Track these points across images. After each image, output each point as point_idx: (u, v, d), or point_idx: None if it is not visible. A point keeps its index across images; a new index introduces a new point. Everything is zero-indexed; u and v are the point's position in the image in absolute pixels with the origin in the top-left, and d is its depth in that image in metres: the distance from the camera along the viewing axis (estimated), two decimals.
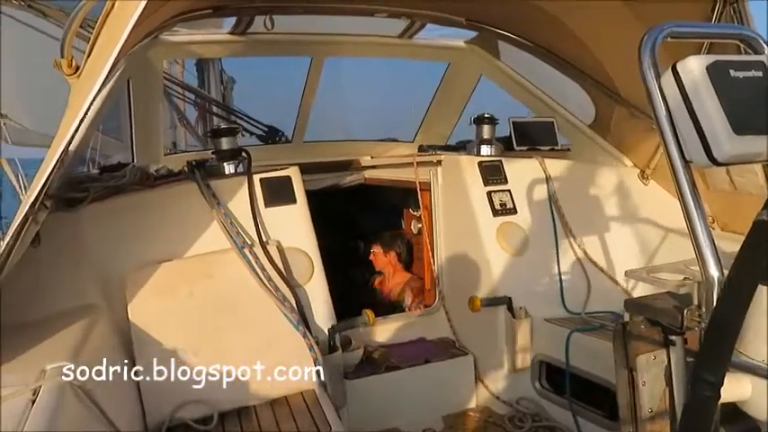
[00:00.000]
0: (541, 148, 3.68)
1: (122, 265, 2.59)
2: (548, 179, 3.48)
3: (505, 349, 3.14)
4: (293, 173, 3.06)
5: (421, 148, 3.97)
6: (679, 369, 1.53)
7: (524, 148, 3.70)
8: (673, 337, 1.51)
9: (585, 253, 3.38)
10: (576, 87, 3.76)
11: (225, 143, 3.06)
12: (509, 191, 3.41)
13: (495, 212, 3.33)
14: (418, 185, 3.74)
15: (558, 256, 3.33)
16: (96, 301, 2.45)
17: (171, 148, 5.50)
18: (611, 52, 3.24)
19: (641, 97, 3.18)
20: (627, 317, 1.62)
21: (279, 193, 2.98)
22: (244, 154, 3.06)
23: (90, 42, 1.91)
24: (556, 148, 3.73)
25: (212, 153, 3.11)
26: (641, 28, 1.51)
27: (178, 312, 2.53)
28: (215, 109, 5.21)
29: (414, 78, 5.53)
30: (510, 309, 3.10)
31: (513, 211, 3.37)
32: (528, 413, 3.04)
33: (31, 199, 1.73)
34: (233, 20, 3.50)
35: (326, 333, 2.80)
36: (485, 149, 3.62)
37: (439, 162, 3.66)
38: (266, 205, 2.92)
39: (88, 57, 1.93)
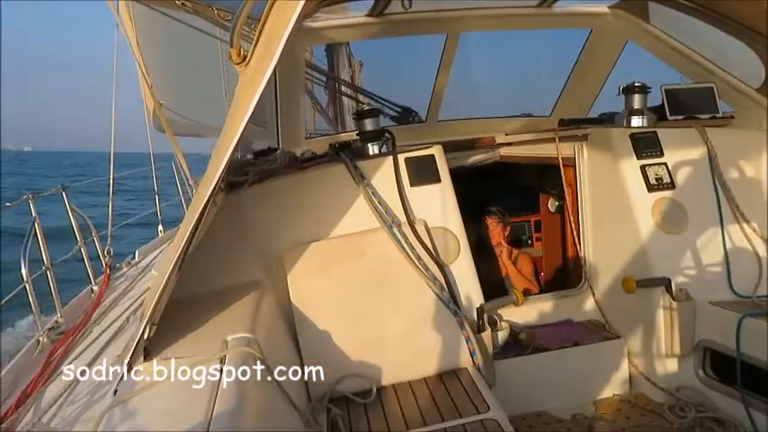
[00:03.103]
0: (700, 116, 3.37)
1: (280, 243, 2.73)
2: (709, 150, 3.18)
3: (663, 334, 2.94)
4: (437, 151, 3.05)
5: (562, 122, 3.79)
6: None
7: (679, 117, 3.40)
8: None
9: (756, 231, 3.06)
10: (741, 47, 3.39)
11: (368, 124, 3.12)
12: (665, 164, 3.16)
13: (651, 188, 3.11)
14: (561, 161, 3.58)
15: (723, 235, 3.04)
16: (260, 277, 2.61)
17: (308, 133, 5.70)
18: None
19: None
20: None
21: (423, 172, 2.98)
22: (387, 134, 3.10)
23: (257, 31, 2.00)
24: (717, 116, 3.39)
25: (356, 134, 3.18)
26: None
27: (334, 289, 2.62)
28: (348, 92, 5.32)
29: (546, 49, 5.30)
30: (669, 290, 2.89)
31: (671, 185, 3.13)
32: (691, 403, 2.83)
33: (214, 181, 1.84)
34: (369, 3, 3.54)
35: (475, 312, 2.78)
36: (636, 121, 3.37)
37: (584, 136, 3.47)
38: (411, 184, 2.94)
39: (255, 46, 2.02)
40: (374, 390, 2.39)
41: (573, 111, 4.33)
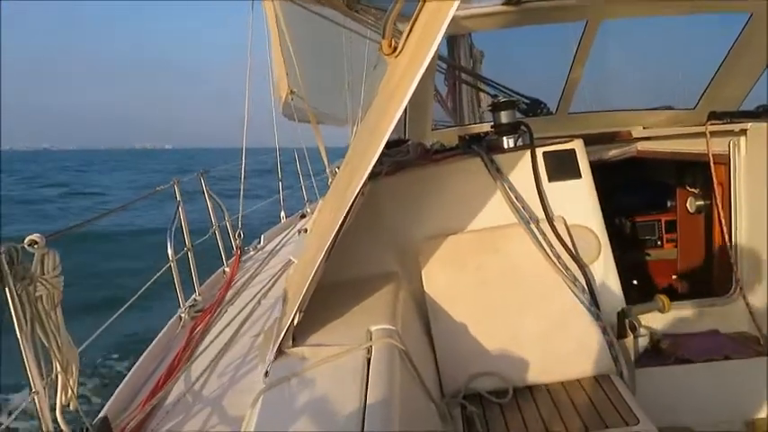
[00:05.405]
0: None
1: (414, 235, 2.72)
2: None
3: None
4: (578, 146, 2.90)
5: (713, 116, 3.47)
6: None
7: None
8: None
9: None
10: None
11: (504, 117, 3.02)
12: None
13: None
14: (711, 158, 3.29)
15: None
16: (394, 268, 2.61)
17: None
18: None
19: None
20: None
21: (562, 167, 2.85)
22: (523, 127, 2.99)
23: (411, 23, 1.98)
24: None
25: (491, 127, 3.10)
26: None
27: (468, 285, 2.58)
28: (473, 83, 5.22)
29: (688, 37, 4.90)
30: None
31: None
32: None
33: (367, 171, 1.84)
34: None
35: (614, 316, 2.63)
36: None
37: (742, 131, 3.15)
38: (549, 180, 2.82)
39: (407, 37, 2.00)
40: (510, 390, 2.32)
41: (721, 103, 3.97)
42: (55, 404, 1.75)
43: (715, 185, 3.34)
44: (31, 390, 1.68)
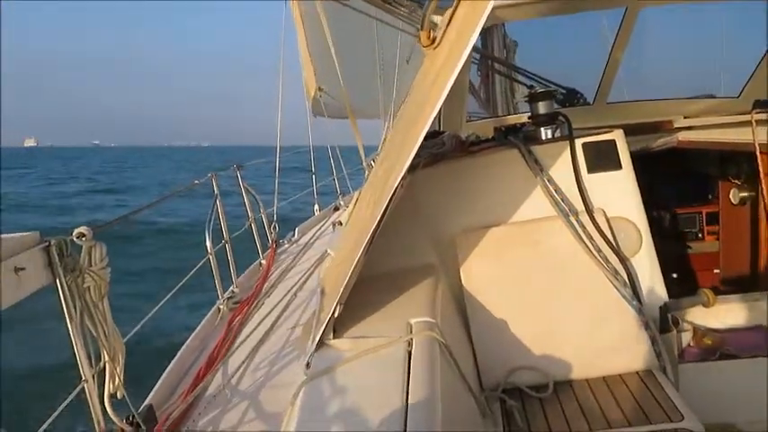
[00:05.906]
0: None
1: (451, 228, 2.71)
2: None
3: None
4: (618, 136, 2.85)
5: (759, 104, 3.36)
6: None
7: None
8: None
9: None
10: None
11: (542, 107, 2.98)
12: None
13: None
14: (757, 148, 3.19)
15: None
16: (432, 260, 2.61)
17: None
18: None
19: None
20: None
21: (602, 158, 2.80)
22: (561, 118, 2.94)
23: (449, 15, 1.96)
24: None
25: (528, 117, 3.05)
26: None
27: (507, 277, 2.56)
28: (509, 74, 5.16)
29: (732, 23, 4.75)
30: None
31: None
32: None
33: (407, 164, 1.84)
34: None
35: (656, 310, 2.58)
36: None
37: None
38: (589, 171, 2.77)
39: (446, 29, 1.98)
40: (551, 385, 2.30)
41: (767, 91, 3.84)
42: (103, 392, 1.80)
43: (761, 176, 3.24)
44: (81, 378, 1.73)
